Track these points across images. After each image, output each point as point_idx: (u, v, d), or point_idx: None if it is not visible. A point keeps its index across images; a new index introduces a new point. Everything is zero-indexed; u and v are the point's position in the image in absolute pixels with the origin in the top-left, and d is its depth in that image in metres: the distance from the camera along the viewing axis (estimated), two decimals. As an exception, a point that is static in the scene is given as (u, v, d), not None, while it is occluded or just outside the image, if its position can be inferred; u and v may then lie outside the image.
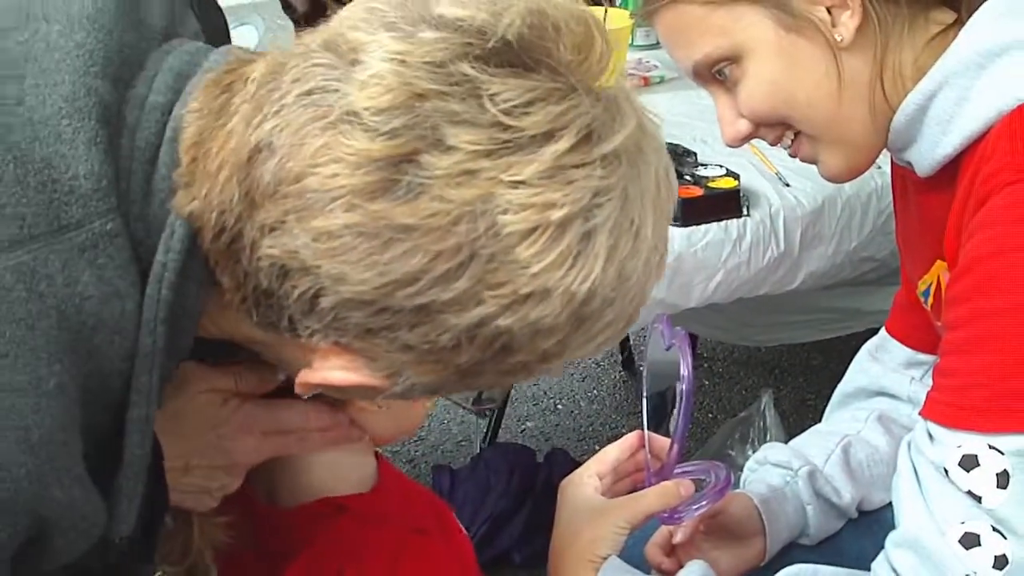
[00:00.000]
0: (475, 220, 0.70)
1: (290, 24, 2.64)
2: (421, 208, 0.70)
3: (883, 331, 1.39)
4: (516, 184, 0.70)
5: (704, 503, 1.18)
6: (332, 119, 0.71)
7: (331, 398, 1.02)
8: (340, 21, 0.76)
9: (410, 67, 0.71)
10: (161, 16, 0.83)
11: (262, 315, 0.77)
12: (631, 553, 1.17)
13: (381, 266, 0.71)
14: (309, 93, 0.72)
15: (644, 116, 0.78)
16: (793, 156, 1.15)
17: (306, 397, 0.86)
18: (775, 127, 1.12)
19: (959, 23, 1.05)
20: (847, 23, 1.04)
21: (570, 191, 0.71)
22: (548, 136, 0.71)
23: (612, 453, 1.22)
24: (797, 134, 1.12)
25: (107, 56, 0.77)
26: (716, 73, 1.09)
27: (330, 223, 0.70)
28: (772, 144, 1.15)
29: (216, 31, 0.94)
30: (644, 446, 1.22)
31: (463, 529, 1.20)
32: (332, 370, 0.78)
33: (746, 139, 1.14)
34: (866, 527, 1.32)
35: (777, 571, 1.13)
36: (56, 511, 0.74)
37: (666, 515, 1.18)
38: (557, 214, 0.71)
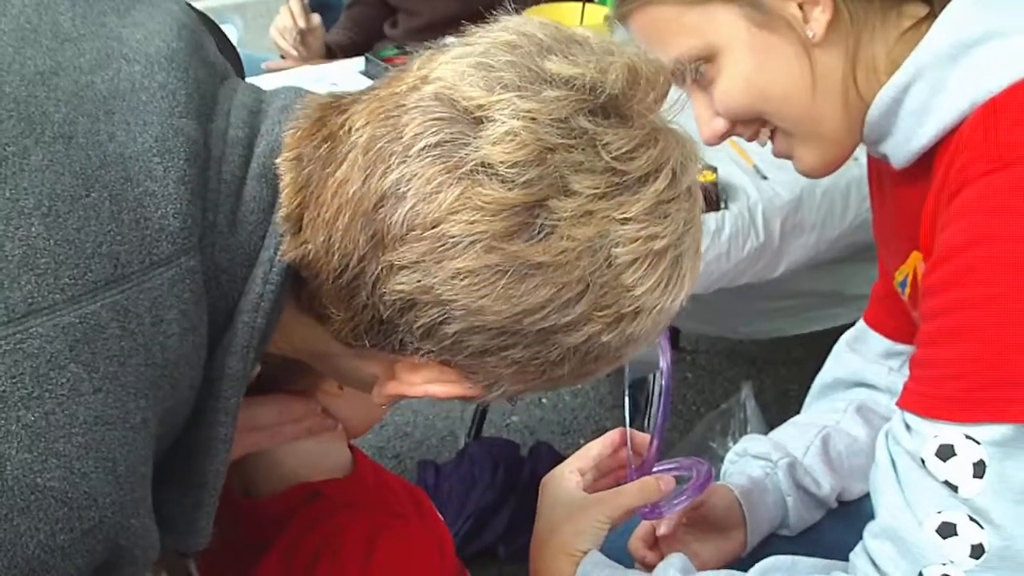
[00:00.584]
0: (594, 254, 0.80)
1: (270, 23, 2.64)
2: (552, 247, 0.79)
3: (861, 322, 1.40)
4: (626, 221, 0.80)
5: (685, 498, 1.19)
6: (465, 170, 0.77)
7: (299, 389, 1.04)
8: (443, 71, 0.81)
9: (540, 124, 0.78)
10: (215, 55, 0.90)
11: (372, 339, 0.83)
12: (612, 548, 1.17)
13: (516, 298, 0.79)
14: (437, 145, 0.78)
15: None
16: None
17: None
18: (751, 124, 1.13)
19: (932, 16, 1.05)
20: (819, 19, 1.05)
21: (668, 223, 0.82)
22: (648, 177, 0.81)
23: (594, 449, 1.23)
24: (774, 130, 1.12)
25: (188, 94, 0.83)
26: (691, 72, 1.09)
27: (470, 264, 0.78)
28: (749, 141, 1.15)
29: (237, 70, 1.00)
30: (626, 443, 1.22)
31: (440, 515, 1.20)
32: (428, 383, 0.86)
33: (724, 137, 1.14)
34: (845, 517, 1.32)
35: (759, 561, 1.14)
36: (131, 540, 0.77)
37: (647, 510, 1.19)
38: (659, 244, 0.82)
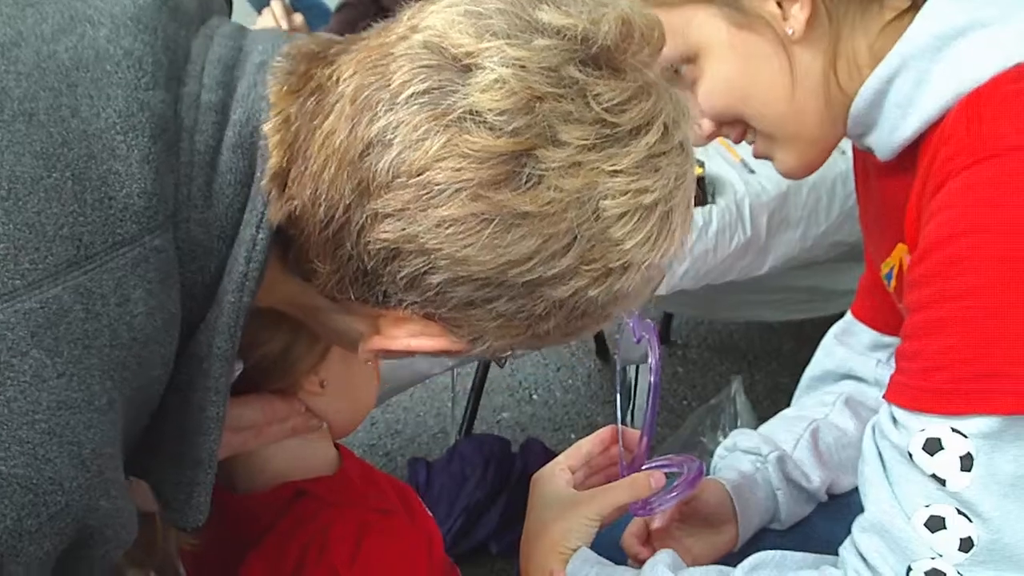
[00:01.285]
0: (582, 206, 0.79)
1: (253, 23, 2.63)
2: (539, 197, 0.78)
3: (849, 314, 1.40)
4: (616, 173, 0.79)
5: (676, 494, 1.19)
6: (453, 117, 0.77)
7: (280, 388, 1.03)
8: (432, 20, 0.80)
9: (529, 72, 0.78)
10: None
11: (357, 292, 0.82)
12: (604, 544, 1.17)
13: (501, 248, 0.78)
14: (425, 93, 0.77)
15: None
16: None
17: (367, 358, 0.91)
18: (736, 125, 1.12)
19: (914, 8, 1.04)
20: (797, 16, 1.04)
21: (659, 177, 0.81)
22: (639, 130, 0.81)
23: (584, 447, 1.23)
24: (756, 131, 1.12)
25: (156, 60, 0.81)
26: (674, 74, 1.09)
27: (455, 211, 0.77)
28: (736, 142, 1.15)
29: None
30: (618, 441, 1.22)
31: (428, 511, 1.20)
32: (412, 337, 0.85)
33: (710, 138, 1.14)
34: (836, 511, 1.32)
35: (749, 556, 1.14)
36: (101, 520, 0.76)
37: (638, 507, 1.19)
38: (648, 198, 0.81)
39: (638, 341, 1.18)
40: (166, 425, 0.84)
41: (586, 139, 0.78)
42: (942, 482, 0.96)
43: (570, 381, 3.03)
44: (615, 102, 0.80)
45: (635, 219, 0.81)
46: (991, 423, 0.93)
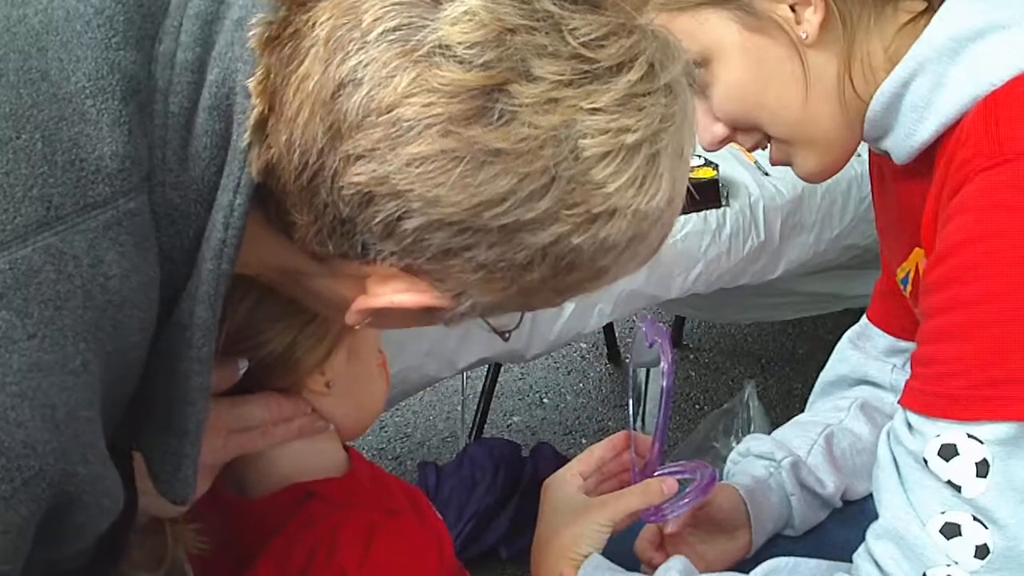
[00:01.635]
0: (559, 144, 0.76)
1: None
2: (512, 133, 0.75)
3: (864, 319, 1.39)
4: (595, 111, 0.76)
5: (688, 500, 1.18)
6: (423, 52, 0.74)
7: (283, 386, 1.03)
8: None
9: (500, 4, 0.75)
10: None
11: (336, 244, 0.80)
12: (617, 550, 1.16)
13: (473, 188, 0.75)
14: (395, 30, 0.75)
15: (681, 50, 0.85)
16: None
17: (357, 326, 0.89)
18: (751, 132, 1.12)
19: (930, 10, 1.04)
20: (811, 19, 1.04)
21: (641, 117, 0.78)
22: (620, 67, 0.78)
23: (596, 452, 1.22)
24: (771, 137, 1.12)
25: (128, 19, 0.79)
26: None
27: (425, 149, 0.75)
28: (751, 150, 1.15)
29: None
30: (630, 446, 1.22)
31: (437, 512, 1.20)
32: (396, 293, 0.82)
33: (723, 143, 1.13)
34: (850, 517, 1.32)
35: (762, 562, 1.13)
36: (80, 487, 0.75)
37: (650, 513, 1.18)
38: (631, 138, 0.77)
39: (651, 346, 1.17)
40: (153, 395, 0.83)
41: (562, 74, 0.75)
42: (958, 488, 0.95)
43: (581, 385, 3.02)
44: (592, 36, 0.77)
45: (617, 159, 0.78)
46: (1007, 429, 0.93)
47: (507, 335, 0.98)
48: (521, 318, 0.96)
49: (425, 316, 0.85)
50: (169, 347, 0.82)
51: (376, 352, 1.12)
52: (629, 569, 1.15)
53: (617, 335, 3.07)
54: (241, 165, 0.80)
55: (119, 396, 0.80)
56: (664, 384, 1.13)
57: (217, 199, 0.80)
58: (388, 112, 0.75)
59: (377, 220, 0.77)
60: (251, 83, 0.79)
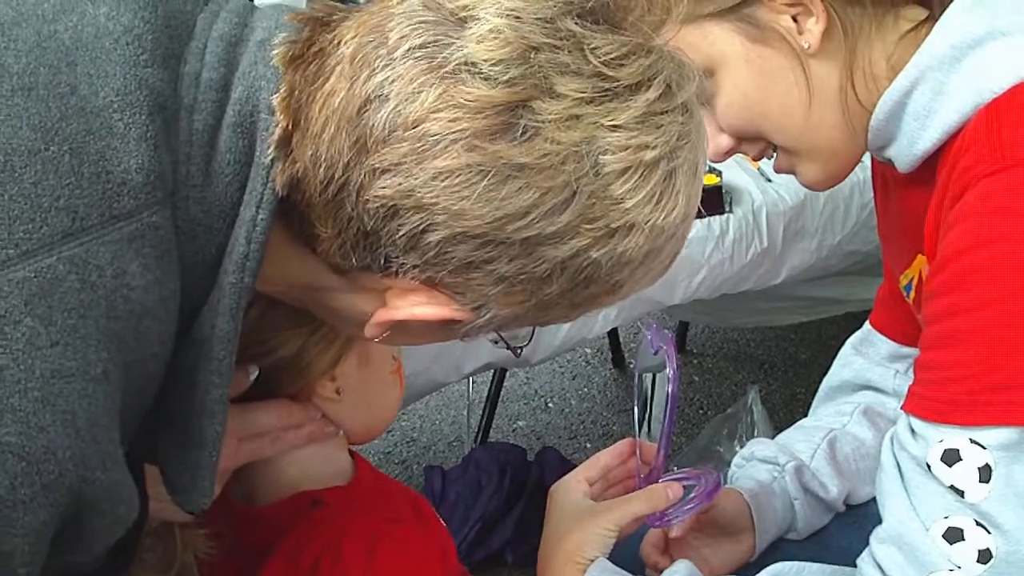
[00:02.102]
0: (580, 160, 0.78)
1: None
2: (535, 148, 0.77)
3: (867, 325, 1.39)
4: (615, 128, 0.79)
5: (693, 505, 1.19)
6: (449, 69, 0.77)
7: (293, 392, 1.03)
8: None
9: (524, 23, 0.77)
10: None
11: (359, 257, 0.82)
12: (622, 555, 1.17)
13: (497, 201, 0.77)
14: (421, 47, 0.77)
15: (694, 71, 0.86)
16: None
17: (373, 334, 0.89)
18: (756, 142, 1.12)
19: (932, 19, 1.04)
20: (813, 29, 1.04)
21: (660, 135, 0.80)
22: (639, 86, 0.80)
23: (602, 459, 1.23)
24: (776, 147, 1.12)
25: (155, 38, 0.81)
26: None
27: (451, 163, 0.76)
28: (756, 159, 1.15)
29: None
30: (635, 453, 1.22)
31: (441, 520, 1.20)
32: (416, 306, 0.84)
33: (728, 154, 1.14)
34: (854, 521, 1.32)
35: (766, 566, 1.14)
36: (97, 493, 0.76)
37: (655, 518, 1.18)
38: (650, 155, 0.80)
39: (655, 352, 1.17)
40: (171, 408, 0.84)
41: (583, 92, 0.78)
42: (960, 493, 0.95)
43: (586, 390, 3.03)
44: (612, 56, 0.79)
45: (636, 176, 0.79)
46: (1010, 434, 0.93)
47: (519, 351, 0.99)
48: (533, 333, 0.97)
49: (443, 330, 0.87)
50: (189, 360, 0.83)
51: (389, 359, 1.13)
52: (634, 573, 1.15)
53: (622, 340, 3.08)
54: (264, 181, 0.81)
55: (138, 407, 0.81)
56: (669, 390, 1.14)
57: (240, 214, 0.82)
58: (415, 127, 0.77)
59: (401, 233, 0.79)
60: (275, 99, 0.81)
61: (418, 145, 0.77)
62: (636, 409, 1.27)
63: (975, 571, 0.95)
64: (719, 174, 1.91)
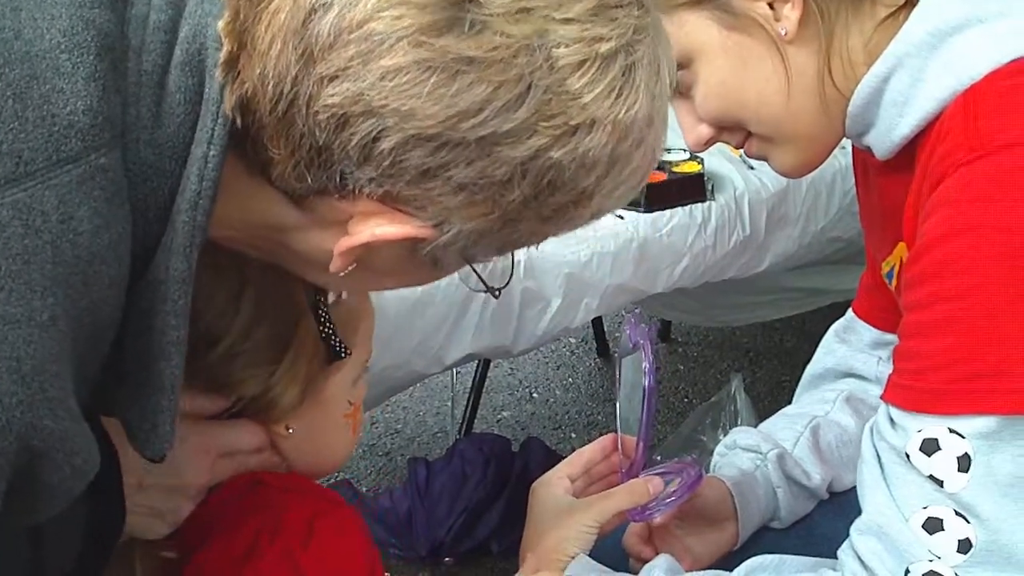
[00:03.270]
0: (533, 53, 0.76)
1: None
2: (484, 42, 0.75)
3: (850, 312, 1.39)
4: (567, 21, 0.77)
5: (674, 499, 1.19)
6: None
7: (260, 418, 1.02)
8: None
9: None
10: None
11: (314, 176, 0.80)
12: (605, 549, 1.17)
13: (448, 98, 0.76)
14: None
15: None
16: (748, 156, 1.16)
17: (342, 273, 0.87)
18: (736, 131, 1.12)
19: (910, 5, 1.04)
20: (789, 16, 1.04)
21: (614, 27, 0.79)
22: None
23: (584, 455, 1.23)
24: (750, 134, 1.12)
25: None
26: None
27: (398, 60, 0.75)
28: (738, 147, 1.15)
29: None
30: (617, 449, 1.22)
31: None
32: (377, 227, 0.82)
33: (709, 143, 1.14)
34: (837, 508, 1.32)
35: (750, 555, 1.13)
36: (48, 442, 0.75)
37: (636, 513, 1.18)
38: (605, 47, 0.78)
39: (633, 347, 1.17)
40: (129, 352, 0.83)
41: None
42: (940, 483, 0.95)
43: (570, 380, 3.03)
44: None
45: (593, 69, 0.78)
46: (989, 423, 0.93)
47: (498, 292, 0.95)
48: (512, 271, 0.95)
49: (410, 259, 0.85)
50: (145, 303, 0.82)
51: (344, 402, 1.10)
52: (616, 569, 1.15)
53: (606, 329, 3.08)
54: (214, 117, 0.80)
55: (93, 353, 0.80)
56: (646, 384, 1.14)
57: (191, 153, 0.80)
58: (359, 28, 0.76)
59: (354, 143, 0.78)
60: (220, 24, 0.79)
61: (364, 46, 0.76)
62: (618, 406, 1.26)
63: (955, 561, 0.95)
64: (701, 162, 1.90)
